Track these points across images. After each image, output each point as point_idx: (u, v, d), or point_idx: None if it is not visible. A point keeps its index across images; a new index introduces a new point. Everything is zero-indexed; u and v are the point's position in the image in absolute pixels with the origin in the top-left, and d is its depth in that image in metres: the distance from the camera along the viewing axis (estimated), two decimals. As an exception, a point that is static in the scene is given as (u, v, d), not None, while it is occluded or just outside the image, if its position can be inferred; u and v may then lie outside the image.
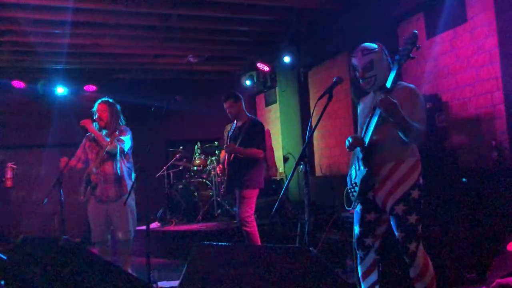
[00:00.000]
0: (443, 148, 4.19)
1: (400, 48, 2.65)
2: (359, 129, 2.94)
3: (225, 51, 7.87)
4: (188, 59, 7.93)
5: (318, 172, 7.24)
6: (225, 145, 4.64)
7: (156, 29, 6.47)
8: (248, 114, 4.79)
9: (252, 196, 4.52)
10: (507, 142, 4.01)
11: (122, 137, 4.33)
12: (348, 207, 2.87)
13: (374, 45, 2.86)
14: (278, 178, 7.98)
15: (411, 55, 2.61)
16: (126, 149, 4.37)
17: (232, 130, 4.80)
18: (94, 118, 4.43)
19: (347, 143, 2.83)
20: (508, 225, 3.63)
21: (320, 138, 7.24)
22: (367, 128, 2.76)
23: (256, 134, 4.56)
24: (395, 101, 2.54)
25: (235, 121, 4.78)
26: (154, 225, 6.85)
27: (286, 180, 7.63)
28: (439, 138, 4.17)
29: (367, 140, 2.72)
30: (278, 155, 8.28)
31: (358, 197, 2.78)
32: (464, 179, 4.07)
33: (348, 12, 5.87)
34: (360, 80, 2.87)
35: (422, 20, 5.03)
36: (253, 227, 4.48)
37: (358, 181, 2.76)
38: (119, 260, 4.48)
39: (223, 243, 1.78)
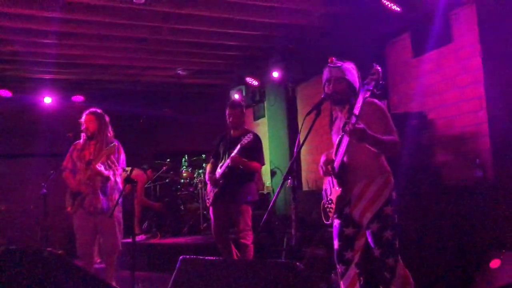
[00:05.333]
0: (428, 165, 4.25)
1: (364, 82, 2.68)
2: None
3: (215, 65, 7.92)
4: (177, 72, 7.95)
5: (305, 187, 7.26)
6: (233, 154, 4.39)
7: (146, 42, 6.49)
8: (246, 127, 4.78)
9: (249, 209, 4.51)
10: (490, 160, 4.08)
11: (121, 159, 4.39)
12: (326, 221, 2.91)
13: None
14: (265, 192, 7.99)
15: (375, 91, 2.62)
16: (124, 167, 4.47)
17: (224, 141, 4.70)
18: (81, 128, 4.43)
19: (321, 170, 2.90)
20: (491, 243, 3.67)
21: (307, 153, 7.28)
22: (338, 148, 2.80)
23: (258, 148, 4.53)
24: (362, 127, 2.55)
25: (230, 134, 4.72)
26: (140, 237, 6.78)
27: (273, 194, 7.63)
28: (424, 155, 4.23)
29: (338, 159, 2.77)
30: (266, 169, 8.29)
31: (335, 213, 2.82)
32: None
33: (336, 30, 5.96)
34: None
35: (409, 40, 5.13)
36: (250, 240, 4.45)
37: (333, 198, 2.80)
38: (104, 273, 4.43)
39: (209, 257, 1.79)
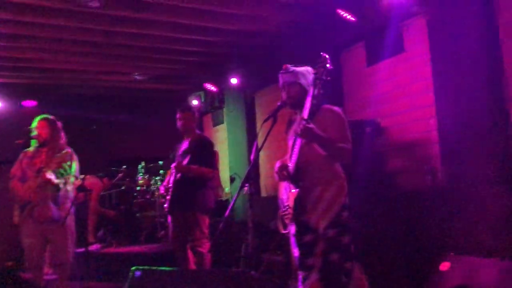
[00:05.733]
0: (381, 171, 4.36)
1: (315, 72, 2.74)
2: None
3: (173, 70, 7.84)
4: (134, 77, 7.82)
5: (263, 193, 7.29)
6: (175, 163, 4.41)
7: (101, 46, 6.35)
8: (198, 131, 4.71)
9: (206, 217, 4.43)
10: (440, 167, 4.24)
11: (74, 167, 4.24)
12: (283, 230, 2.92)
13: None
14: (224, 198, 7.96)
15: (324, 77, 2.70)
16: (76, 175, 4.30)
17: (180, 148, 4.61)
18: (33, 135, 4.28)
19: (276, 176, 2.93)
20: (442, 246, 3.80)
21: (266, 159, 7.32)
22: (293, 151, 2.83)
23: (207, 153, 4.46)
24: (311, 126, 2.63)
25: (182, 140, 4.65)
26: (94, 247, 6.59)
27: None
28: (378, 162, 4.34)
29: (293, 163, 2.79)
30: (225, 175, 8.27)
31: (293, 219, 2.82)
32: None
33: (294, 37, 6.04)
34: None
35: (363, 49, 5.27)
36: (207, 248, 4.39)
37: (290, 203, 2.82)
38: (56, 284, 4.27)
39: (162, 268, 1.76)
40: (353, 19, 4.70)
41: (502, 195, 3.57)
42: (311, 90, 2.75)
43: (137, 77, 7.83)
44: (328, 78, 2.73)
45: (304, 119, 2.65)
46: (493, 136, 3.73)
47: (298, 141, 2.75)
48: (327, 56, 2.74)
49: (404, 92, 4.76)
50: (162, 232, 6.85)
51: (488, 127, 3.76)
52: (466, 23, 3.89)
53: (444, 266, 3.35)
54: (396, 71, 4.85)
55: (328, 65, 2.71)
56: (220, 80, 7.71)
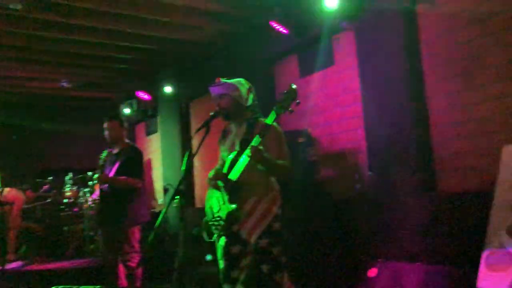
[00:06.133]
0: (313, 180, 4.45)
1: (278, 99, 2.68)
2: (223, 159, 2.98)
3: (103, 77, 7.60)
4: (61, 84, 7.47)
5: (198, 204, 7.20)
6: (97, 175, 4.22)
7: (25, 50, 6.02)
8: (127, 140, 4.54)
9: (136, 231, 4.26)
10: (368, 175, 4.39)
11: None
12: (208, 239, 2.88)
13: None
14: (157, 210, 7.77)
15: (290, 108, 2.65)
16: None
17: (105, 158, 4.39)
18: None
19: (210, 182, 2.89)
20: (370, 253, 3.94)
21: (201, 169, 7.25)
22: (233, 164, 2.81)
23: (134, 162, 4.30)
24: (260, 149, 2.64)
25: (109, 149, 4.47)
26: (15, 264, 6.16)
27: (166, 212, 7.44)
28: (310, 171, 4.43)
29: (234, 177, 2.77)
30: (158, 185, 8.09)
31: (223, 230, 2.79)
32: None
33: (229, 48, 6.06)
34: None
35: (296, 61, 5.38)
36: (136, 262, 4.22)
37: (223, 215, 2.79)
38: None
39: (84, 286, 1.66)
40: (285, 31, 4.78)
41: (424, 203, 3.76)
42: (274, 116, 2.68)
43: (65, 84, 7.49)
44: (293, 110, 2.68)
45: (261, 136, 2.64)
46: (416, 147, 3.93)
47: (243, 158, 2.72)
48: (296, 89, 2.66)
49: (335, 104, 4.91)
50: (92, 247, 6.55)
51: (411, 138, 3.96)
52: (392, 40, 4.09)
53: (372, 272, 3.47)
54: (327, 83, 4.99)
55: (298, 100, 2.66)
56: (154, 88, 7.54)
